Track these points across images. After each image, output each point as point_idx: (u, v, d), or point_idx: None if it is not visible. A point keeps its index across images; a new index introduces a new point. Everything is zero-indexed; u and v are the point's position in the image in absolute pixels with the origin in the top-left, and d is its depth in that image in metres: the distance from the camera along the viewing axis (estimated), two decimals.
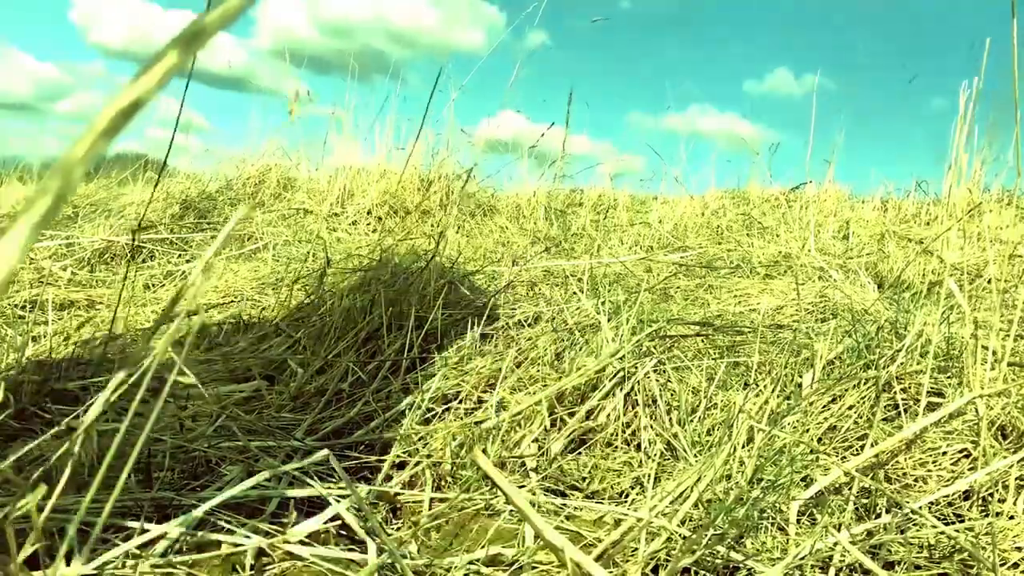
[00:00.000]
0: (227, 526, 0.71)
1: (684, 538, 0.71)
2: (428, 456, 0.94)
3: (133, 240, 2.13)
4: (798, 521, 0.76)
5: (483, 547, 0.73)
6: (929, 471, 0.85)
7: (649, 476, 0.91)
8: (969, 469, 0.84)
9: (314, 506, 0.79)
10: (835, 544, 0.69)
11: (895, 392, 0.97)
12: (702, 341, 1.23)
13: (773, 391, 1.00)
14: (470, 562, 0.70)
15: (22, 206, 0.20)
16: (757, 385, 1.06)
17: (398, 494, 0.87)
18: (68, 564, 0.57)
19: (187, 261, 2.15)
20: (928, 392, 0.96)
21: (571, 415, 1.01)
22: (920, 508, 0.75)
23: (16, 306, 1.55)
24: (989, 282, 1.56)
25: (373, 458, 0.94)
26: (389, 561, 0.67)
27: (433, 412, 1.07)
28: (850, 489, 0.79)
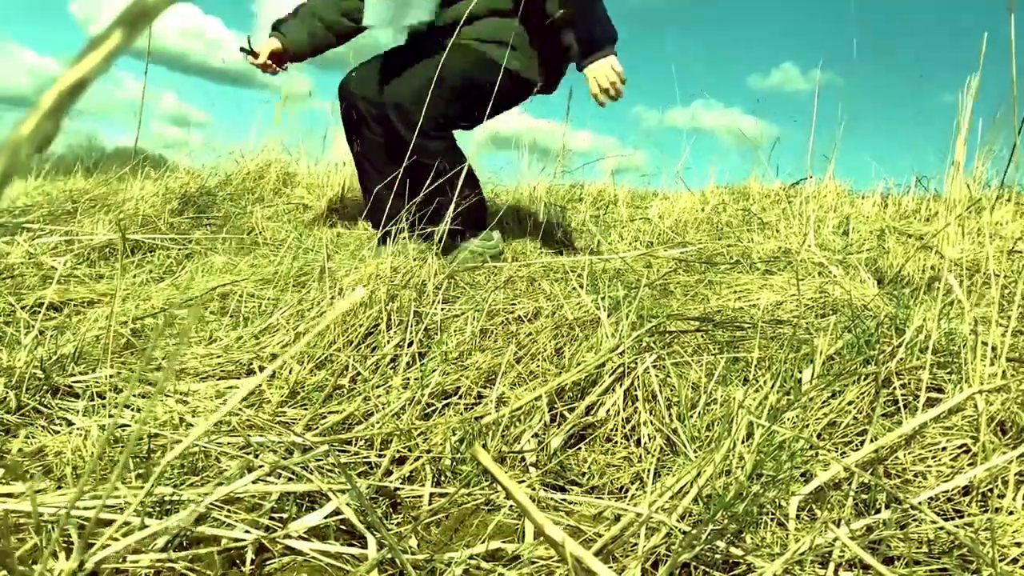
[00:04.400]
0: (227, 521, 0.71)
1: (684, 533, 0.71)
2: (428, 451, 0.94)
3: (124, 236, 2.12)
4: (798, 516, 0.76)
5: (483, 542, 0.73)
6: (928, 467, 0.85)
7: (649, 471, 0.91)
8: (968, 465, 0.84)
9: (314, 501, 0.79)
10: (834, 540, 0.69)
11: (895, 388, 0.97)
12: (702, 337, 1.23)
13: (773, 387, 1.00)
14: (470, 557, 0.70)
15: None
16: (757, 381, 1.06)
17: (397, 489, 0.87)
18: (67, 559, 0.57)
19: (186, 256, 2.14)
20: (928, 388, 0.96)
21: (571, 410, 1.01)
22: (920, 504, 0.75)
23: (22, 305, 1.55)
24: (988, 277, 1.56)
25: (373, 453, 0.94)
26: (389, 556, 0.67)
27: (433, 407, 1.07)
28: (850, 484, 0.79)
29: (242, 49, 2.27)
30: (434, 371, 1.12)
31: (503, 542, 0.73)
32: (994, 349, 0.91)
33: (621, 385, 1.03)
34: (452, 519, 0.82)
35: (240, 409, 1.02)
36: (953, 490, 0.80)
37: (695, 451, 0.93)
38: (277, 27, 2.32)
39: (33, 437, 0.90)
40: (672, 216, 3.05)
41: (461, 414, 1.04)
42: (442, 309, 1.31)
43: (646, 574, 0.70)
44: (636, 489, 0.89)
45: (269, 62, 2.29)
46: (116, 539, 0.63)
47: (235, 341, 1.29)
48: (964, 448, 0.87)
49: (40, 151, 0.22)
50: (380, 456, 0.93)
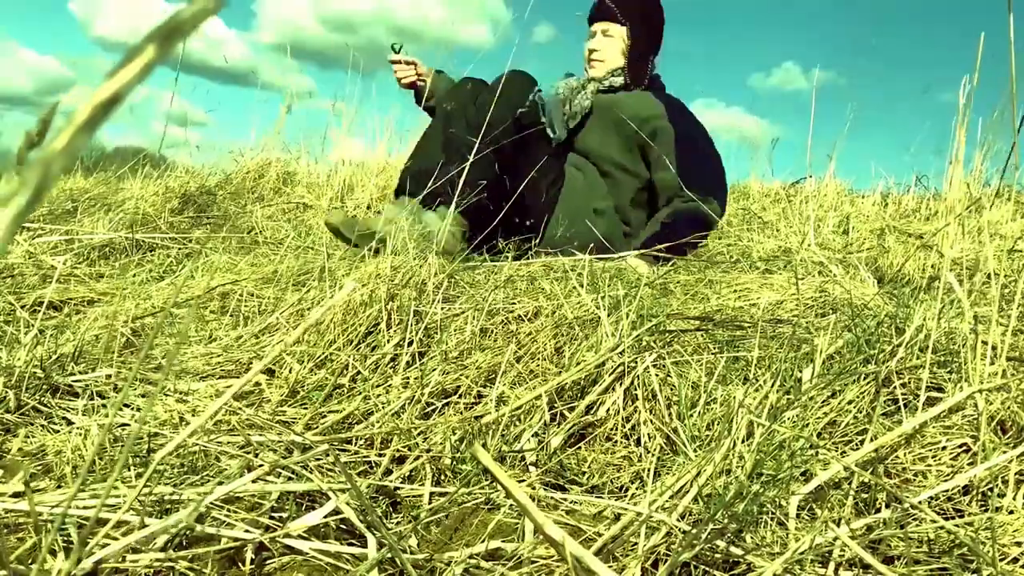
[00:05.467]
0: (227, 520, 0.71)
1: (684, 533, 0.71)
2: (428, 451, 0.94)
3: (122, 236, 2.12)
4: (798, 516, 0.76)
5: (483, 541, 0.73)
6: (928, 466, 0.85)
7: (649, 470, 0.91)
8: (968, 464, 0.84)
9: (314, 500, 0.79)
10: (835, 539, 0.69)
11: (895, 387, 0.97)
12: (702, 336, 1.22)
13: (773, 386, 1.00)
14: (470, 556, 0.70)
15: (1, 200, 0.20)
16: (757, 380, 1.06)
17: (397, 489, 0.87)
18: (66, 558, 0.57)
19: (186, 255, 2.14)
20: (928, 387, 0.96)
21: (571, 409, 1.01)
22: (920, 503, 0.75)
23: (22, 304, 1.55)
24: (988, 277, 1.56)
25: (373, 452, 0.94)
26: (389, 555, 0.67)
27: (433, 406, 1.07)
28: (850, 484, 0.79)
29: (393, 45, 2.45)
30: (434, 370, 1.12)
31: (503, 542, 0.73)
32: (994, 348, 0.91)
33: (621, 384, 1.03)
34: (452, 518, 0.82)
35: (240, 408, 1.02)
36: (953, 489, 0.80)
37: (695, 450, 0.93)
38: (441, 72, 2.51)
39: (33, 436, 0.90)
40: None
41: (461, 413, 1.04)
42: (442, 308, 1.31)
43: (646, 574, 0.70)
44: (636, 488, 0.89)
45: (409, 68, 2.44)
46: (115, 538, 0.63)
47: (235, 341, 1.29)
48: (964, 447, 0.87)
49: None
50: (380, 455, 0.93)
